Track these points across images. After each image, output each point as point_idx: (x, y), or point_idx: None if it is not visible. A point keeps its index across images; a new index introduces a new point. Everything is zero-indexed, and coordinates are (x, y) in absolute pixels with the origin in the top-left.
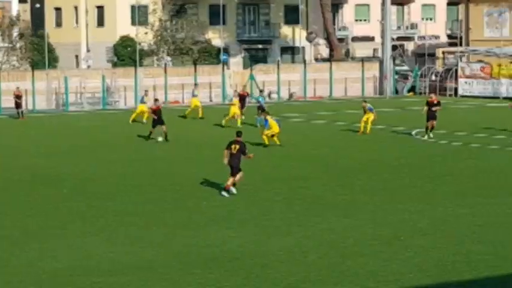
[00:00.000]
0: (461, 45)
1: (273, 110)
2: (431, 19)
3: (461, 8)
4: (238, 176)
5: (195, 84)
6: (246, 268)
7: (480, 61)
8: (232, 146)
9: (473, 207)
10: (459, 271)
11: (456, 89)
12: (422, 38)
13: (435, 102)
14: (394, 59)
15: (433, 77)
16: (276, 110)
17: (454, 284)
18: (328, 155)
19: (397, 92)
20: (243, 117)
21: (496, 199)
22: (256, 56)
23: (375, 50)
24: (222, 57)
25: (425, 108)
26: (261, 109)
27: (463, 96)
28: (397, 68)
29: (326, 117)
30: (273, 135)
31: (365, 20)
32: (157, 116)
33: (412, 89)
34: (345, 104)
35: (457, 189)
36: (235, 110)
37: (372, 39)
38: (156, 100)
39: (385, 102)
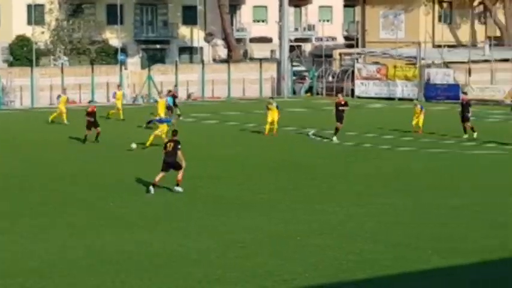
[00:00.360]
0: (357, 46)
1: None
2: (328, 21)
3: (357, 9)
4: (180, 174)
5: (119, 86)
6: (143, 269)
7: (376, 63)
8: (168, 144)
9: (365, 207)
10: (353, 270)
11: (353, 90)
12: (319, 39)
13: (342, 102)
14: (291, 60)
15: (330, 78)
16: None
17: (348, 283)
18: (233, 155)
19: (294, 92)
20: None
21: (387, 199)
22: (154, 56)
23: (272, 51)
24: (120, 57)
25: (334, 109)
26: (170, 109)
27: (359, 97)
28: (295, 69)
29: (222, 118)
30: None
31: (263, 21)
32: (93, 118)
33: (310, 89)
34: (242, 105)
35: (351, 189)
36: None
37: (269, 40)
38: (90, 102)
39: (283, 103)
